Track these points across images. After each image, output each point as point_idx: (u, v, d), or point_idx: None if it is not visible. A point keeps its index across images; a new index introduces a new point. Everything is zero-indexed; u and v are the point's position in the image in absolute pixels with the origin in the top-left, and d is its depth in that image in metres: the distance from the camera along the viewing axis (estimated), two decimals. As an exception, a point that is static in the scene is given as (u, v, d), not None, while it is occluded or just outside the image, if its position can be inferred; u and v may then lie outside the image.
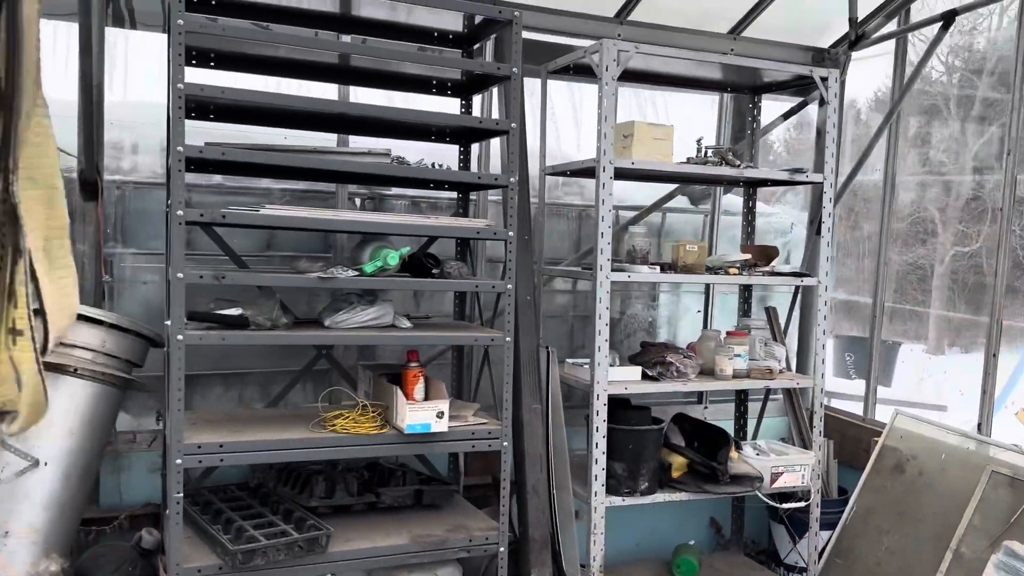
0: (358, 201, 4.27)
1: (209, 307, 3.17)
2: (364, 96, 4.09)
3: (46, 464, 3.05)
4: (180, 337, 2.83)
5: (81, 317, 3.18)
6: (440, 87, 3.84)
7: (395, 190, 4.29)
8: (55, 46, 3.78)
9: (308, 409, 3.63)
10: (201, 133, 3.26)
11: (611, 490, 3.72)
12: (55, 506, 3.06)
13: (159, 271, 3.79)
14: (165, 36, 2.95)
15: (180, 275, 2.81)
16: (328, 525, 3.13)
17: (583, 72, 4.01)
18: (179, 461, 2.87)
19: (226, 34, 2.98)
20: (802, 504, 4.12)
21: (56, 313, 1.13)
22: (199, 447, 2.92)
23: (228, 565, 2.91)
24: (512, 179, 3.34)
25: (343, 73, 3.83)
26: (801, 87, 4.46)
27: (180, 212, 2.81)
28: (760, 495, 3.98)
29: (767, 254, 4.16)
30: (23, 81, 1.03)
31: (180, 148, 2.81)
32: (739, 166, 3.98)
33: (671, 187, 4.71)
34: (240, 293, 3.30)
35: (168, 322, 2.86)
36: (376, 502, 3.51)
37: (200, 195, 3.88)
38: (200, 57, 3.41)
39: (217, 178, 3.90)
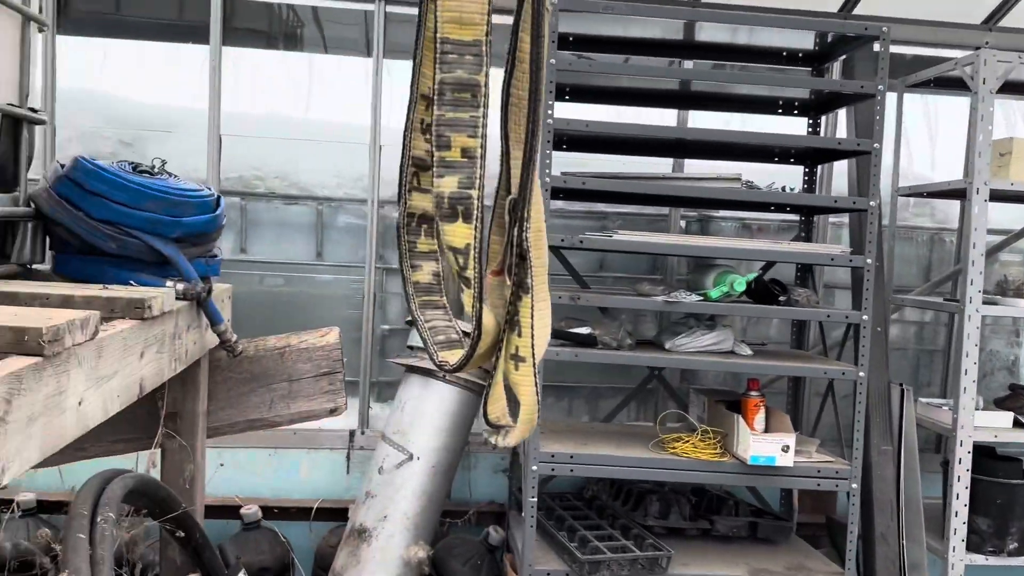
0: (683, 223, 4.30)
1: (559, 325, 3.36)
2: (698, 119, 4.11)
3: (418, 458, 3.42)
4: (542, 353, 3.02)
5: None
6: (786, 107, 3.74)
7: (723, 212, 4.25)
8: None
9: (641, 428, 3.71)
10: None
11: (972, 547, 3.36)
12: (424, 497, 3.42)
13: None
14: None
15: (545, 296, 3.01)
16: (667, 546, 3.17)
17: (947, 85, 3.69)
18: (535, 467, 3.07)
19: (592, 70, 3.15)
20: None
21: (539, 340, 1.26)
22: (552, 456, 3.10)
23: (575, 572, 3.05)
24: (872, 203, 3.16)
25: (683, 98, 3.88)
26: None
27: (547, 237, 3.01)
28: None
29: None
30: (540, 133, 1.16)
31: (547, 179, 3.02)
32: None
33: (1045, 209, 4.15)
34: (579, 312, 3.47)
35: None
36: (709, 529, 3.48)
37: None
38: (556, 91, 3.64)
39: (559, 203, 4.13)
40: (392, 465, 3.40)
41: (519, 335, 1.20)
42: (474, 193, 1.13)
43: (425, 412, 3.46)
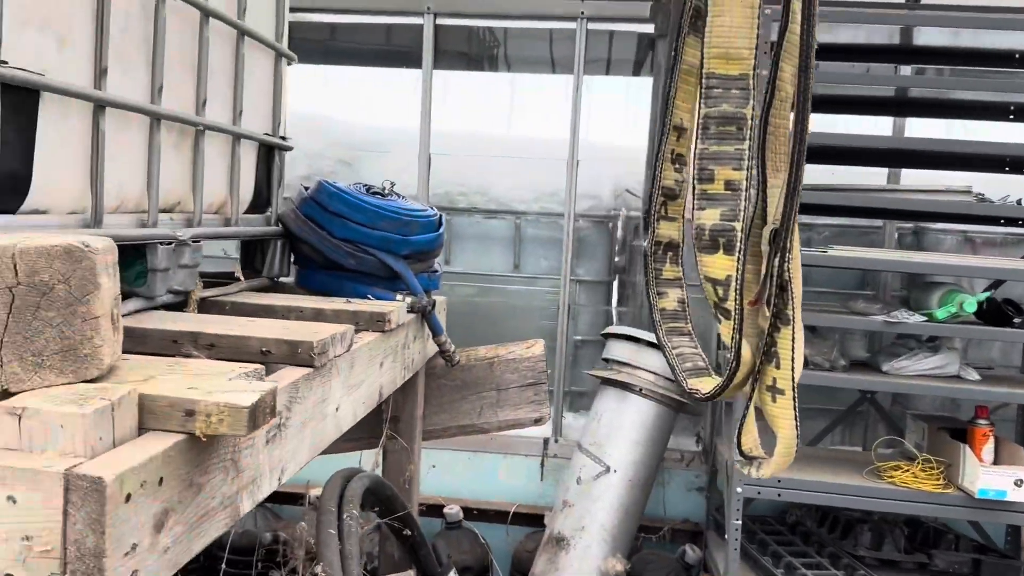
0: (895, 235, 4.05)
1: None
2: (918, 126, 3.87)
3: (615, 471, 3.44)
4: (749, 372, 2.96)
5: (645, 342, 3.53)
6: (1019, 113, 3.44)
7: (941, 224, 3.97)
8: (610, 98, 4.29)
9: (849, 453, 3.54)
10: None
11: None
12: (620, 510, 3.44)
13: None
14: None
15: (753, 313, 2.94)
16: (881, 580, 3.00)
17: None
18: (740, 490, 3.01)
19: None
20: None
21: (797, 372, 1.24)
22: (758, 479, 3.01)
23: (781, 600, 2.96)
24: None
25: (900, 105, 3.66)
26: None
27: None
28: None
29: None
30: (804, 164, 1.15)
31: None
32: None
33: None
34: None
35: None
36: (927, 563, 3.26)
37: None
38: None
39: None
40: (589, 476, 3.44)
41: (777, 367, 1.20)
42: (737, 225, 1.14)
43: (622, 425, 3.47)
